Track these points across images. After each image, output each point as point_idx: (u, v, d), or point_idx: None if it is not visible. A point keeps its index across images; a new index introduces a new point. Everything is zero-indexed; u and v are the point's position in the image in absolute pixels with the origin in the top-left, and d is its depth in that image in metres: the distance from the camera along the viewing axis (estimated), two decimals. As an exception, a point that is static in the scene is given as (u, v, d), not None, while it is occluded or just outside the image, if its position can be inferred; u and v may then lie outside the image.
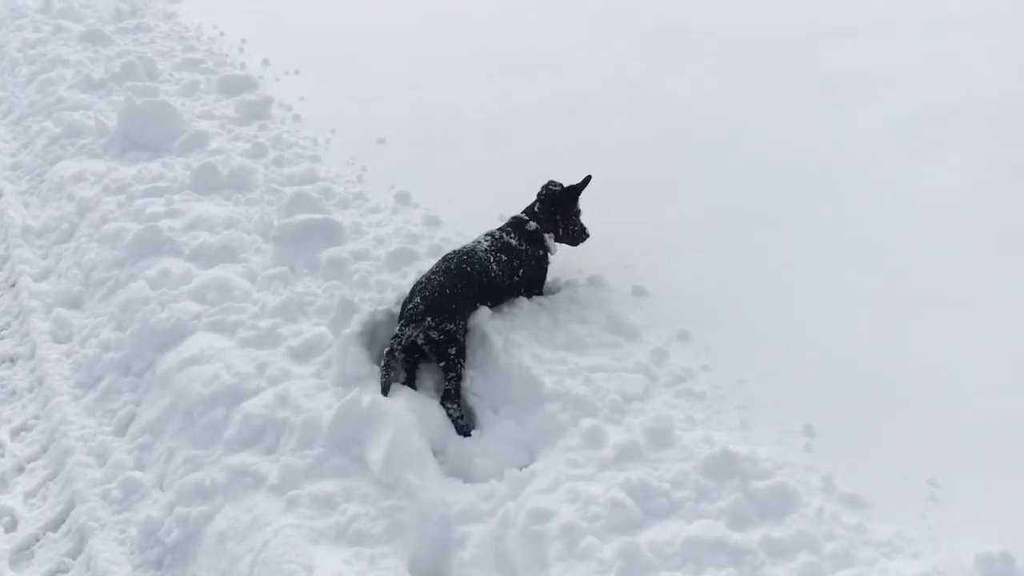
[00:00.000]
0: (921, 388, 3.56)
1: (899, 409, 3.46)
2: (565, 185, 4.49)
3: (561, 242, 4.53)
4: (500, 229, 4.41)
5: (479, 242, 4.29)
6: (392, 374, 3.79)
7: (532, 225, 4.40)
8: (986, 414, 3.39)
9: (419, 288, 4.02)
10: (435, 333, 3.85)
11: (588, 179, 4.46)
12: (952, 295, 4.11)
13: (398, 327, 3.90)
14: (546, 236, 4.43)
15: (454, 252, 4.22)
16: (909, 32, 7.98)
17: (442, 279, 4.00)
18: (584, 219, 4.58)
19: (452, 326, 3.88)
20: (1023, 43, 7.27)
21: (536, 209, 4.48)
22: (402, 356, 3.96)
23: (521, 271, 4.29)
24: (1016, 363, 3.65)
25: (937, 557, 2.82)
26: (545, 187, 4.52)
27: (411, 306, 3.93)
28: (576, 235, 4.54)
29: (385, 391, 3.71)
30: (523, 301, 4.29)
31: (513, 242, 4.32)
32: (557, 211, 4.46)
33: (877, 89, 6.69)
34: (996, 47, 7.27)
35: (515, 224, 4.42)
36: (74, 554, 3.56)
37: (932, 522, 2.96)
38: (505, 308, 4.23)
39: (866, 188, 5.21)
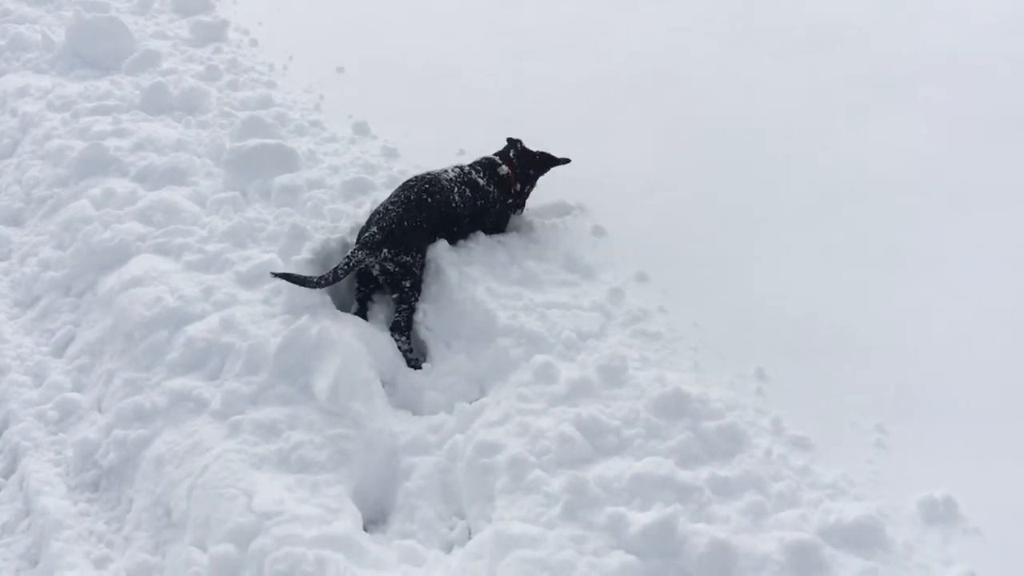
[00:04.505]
0: (873, 337, 3.56)
1: (850, 356, 3.47)
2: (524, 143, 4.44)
3: None
4: (470, 165, 4.30)
5: (445, 171, 4.18)
6: (334, 280, 3.66)
7: (504, 170, 4.30)
8: (935, 364, 3.40)
9: (377, 218, 3.91)
10: (391, 264, 3.76)
11: (567, 160, 4.45)
12: (908, 249, 4.10)
13: (352, 249, 3.80)
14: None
15: (415, 179, 4.10)
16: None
17: (401, 211, 3.89)
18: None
19: (408, 258, 3.80)
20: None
21: (511, 157, 4.37)
22: (355, 284, 3.88)
23: (483, 212, 4.19)
24: (966, 317, 3.66)
25: (881, 500, 2.83)
26: (512, 142, 4.43)
27: (367, 235, 3.82)
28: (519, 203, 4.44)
29: (323, 284, 3.64)
30: (480, 236, 4.21)
31: (481, 181, 4.21)
32: (530, 168, 4.37)
33: (857, 42, 6.57)
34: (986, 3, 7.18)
35: (487, 164, 4.31)
36: (6, 473, 3.47)
37: (877, 467, 2.98)
38: (461, 242, 4.15)
39: (829, 141, 5.15)
